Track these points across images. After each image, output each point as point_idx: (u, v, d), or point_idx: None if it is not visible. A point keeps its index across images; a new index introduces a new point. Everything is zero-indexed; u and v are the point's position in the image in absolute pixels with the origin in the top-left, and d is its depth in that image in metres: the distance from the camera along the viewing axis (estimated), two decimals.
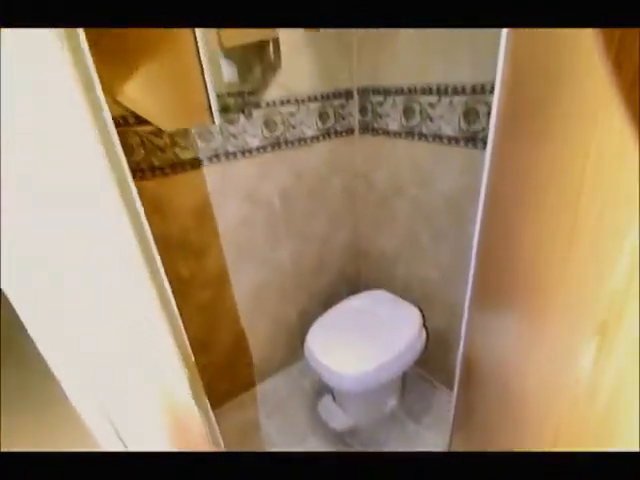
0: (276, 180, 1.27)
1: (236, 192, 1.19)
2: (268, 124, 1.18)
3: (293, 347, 1.62)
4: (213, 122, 1.04)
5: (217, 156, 1.11)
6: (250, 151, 1.18)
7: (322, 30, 1.17)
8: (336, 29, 1.19)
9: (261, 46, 1.13)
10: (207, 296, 1.25)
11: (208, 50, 1.04)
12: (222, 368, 1.41)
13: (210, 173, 1.11)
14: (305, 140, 1.29)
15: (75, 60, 0.33)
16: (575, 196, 0.39)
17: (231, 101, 1.11)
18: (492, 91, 0.92)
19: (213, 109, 1.05)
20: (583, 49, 0.37)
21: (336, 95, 1.30)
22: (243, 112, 1.12)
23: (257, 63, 1.14)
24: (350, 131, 1.40)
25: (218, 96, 1.09)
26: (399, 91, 1.18)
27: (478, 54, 0.93)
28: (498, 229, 0.62)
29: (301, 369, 1.63)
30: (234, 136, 1.13)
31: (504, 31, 0.54)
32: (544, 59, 0.45)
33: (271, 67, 1.14)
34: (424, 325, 1.30)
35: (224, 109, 1.08)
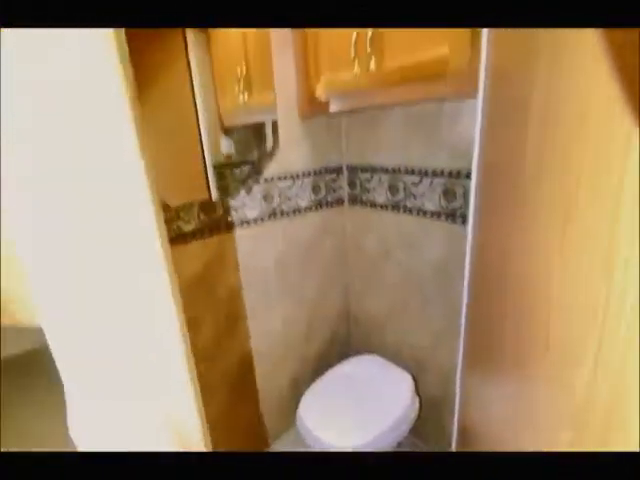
0: (271, 248, 1.34)
1: (231, 262, 1.24)
2: (266, 197, 1.28)
3: (285, 415, 1.56)
4: (212, 198, 1.13)
5: (218, 227, 1.18)
6: (248, 222, 1.25)
7: (315, 117, 1.33)
8: (326, 116, 1.35)
9: (260, 126, 1.26)
10: (199, 369, 1.23)
11: (209, 127, 1.15)
12: (211, 439, 1.33)
13: (209, 244, 1.17)
14: (299, 210, 1.38)
15: None
16: (550, 267, 0.46)
17: (232, 177, 1.21)
18: (467, 176, 1.06)
19: (212, 185, 1.14)
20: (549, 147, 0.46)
21: (328, 171, 1.43)
22: (244, 187, 1.21)
23: (255, 142, 1.27)
24: (340, 202, 1.51)
25: (215, 167, 1.19)
26: (384, 170, 1.31)
27: (453, 144, 1.08)
28: (485, 296, 0.68)
29: (293, 438, 1.55)
30: (234, 209, 1.21)
31: (477, 128, 0.66)
32: (513, 160, 0.55)
33: (269, 146, 1.26)
34: (417, 393, 1.30)
35: (225, 186, 1.17)
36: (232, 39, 1.17)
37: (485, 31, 0.68)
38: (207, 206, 1.15)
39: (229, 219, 1.21)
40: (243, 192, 1.22)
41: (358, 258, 1.55)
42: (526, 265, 0.53)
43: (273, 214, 1.31)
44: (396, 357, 1.48)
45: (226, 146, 1.21)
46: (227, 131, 1.21)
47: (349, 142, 1.42)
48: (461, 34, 0.76)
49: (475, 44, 0.75)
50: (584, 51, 0.40)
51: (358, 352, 1.62)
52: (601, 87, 0.38)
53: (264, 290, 1.36)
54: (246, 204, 1.23)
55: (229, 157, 1.23)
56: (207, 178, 1.15)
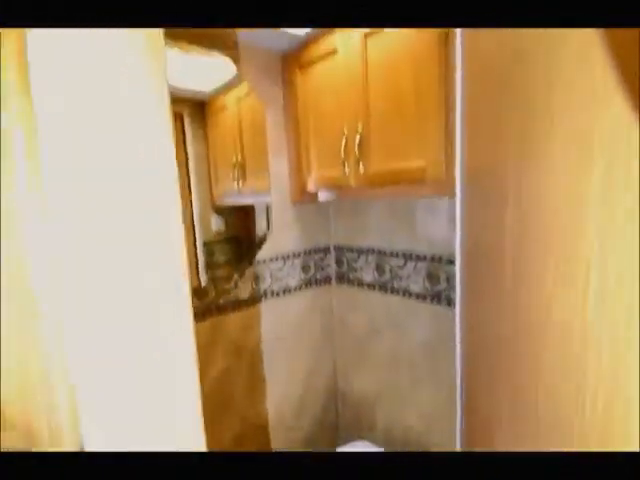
0: (261, 328, 1.34)
1: (222, 344, 1.23)
2: (257, 279, 1.31)
3: None
4: (201, 283, 1.15)
5: (209, 311, 1.19)
6: (239, 304, 1.27)
7: (305, 203, 1.43)
8: (315, 203, 1.46)
9: (251, 209, 1.34)
10: None
11: (200, 207, 1.21)
12: None
13: (200, 328, 1.17)
14: (289, 290, 1.42)
15: None
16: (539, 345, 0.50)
17: (225, 260, 1.25)
18: (449, 262, 1.14)
19: (200, 270, 1.17)
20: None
21: (316, 251, 1.50)
22: (237, 271, 1.25)
23: (247, 224, 1.34)
24: (328, 280, 1.56)
25: (205, 244, 1.23)
26: (371, 251, 1.39)
27: (433, 232, 1.18)
28: (479, 375, 0.70)
29: None
30: (227, 291, 1.23)
31: (458, 221, 0.74)
32: (493, 248, 0.62)
33: (263, 230, 1.33)
34: None
35: (215, 277, 1.21)
36: (228, 129, 1.29)
37: (458, 140, 0.81)
38: (198, 290, 1.17)
39: (220, 302, 1.22)
40: (236, 275, 1.25)
41: (346, 337, 1.56)
42: (517, 343, 0.57)
43: (264, 295, 1.34)
44: (387, 439, 1.42)
45: (215, 220, 1.26)
46: (219, 211, 1.27)
47: (337, 225, 1.52)
48: (436, 148, 0.89)
49: (450, 154, 0.88)
50: (550, 152, 0.47)
51: (348, 434, 1.55)
52: (569, 186, 0.45)
53: (251, 373, 1.32)
54: (238, 286, 1.26)
55: (219, 234, 1.28)
56: (197, 265, 1.18)
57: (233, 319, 1.25)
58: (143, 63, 0.42)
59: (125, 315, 0.42)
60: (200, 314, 1.17)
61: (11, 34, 0.37)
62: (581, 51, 0.42)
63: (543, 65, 0.48)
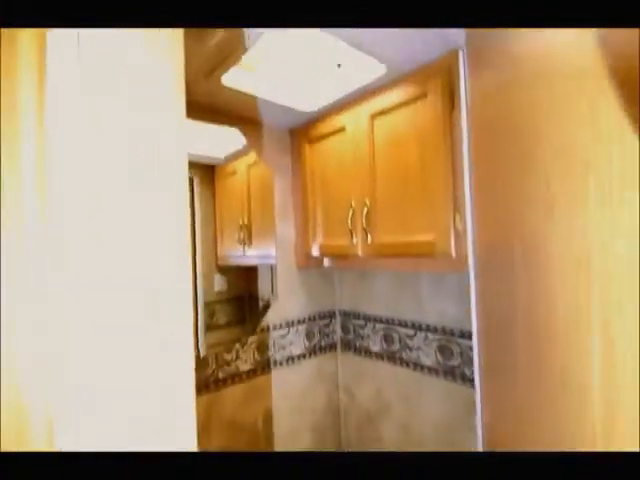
0: (262, 401, 1.25)
1: (220, 420, 1.14)
2: (260, 349, 1.25)
3: None
4: (200, 354, 1.10)
5: (207, 385, 1.12)
6: (240, 375, 1.20)
7: (310, 268, 1.41)
8: (320, 268, 1.44)
9: (254, 270, 1.32)
10: None
11: (204, 266, 1.19)
12: None
13: (198, 403, 1.08)
14: (292, 359, 1.35)
15: None
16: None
17: (227, 331, 1.20)
18: (461, 336, 1.09)
19: (200, 337, 1.12)
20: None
21: (321, 316, 1.45)
22: (239, 341, 1.20)
23: (251, 286, 1.31)
24: (333, 347, 1.49)
25: (207, 304, 1.19)
26: (378, 319, 1.34)
27: (443, 305, 1.14)
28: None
29: None
30: (227, 363, 1.17)
31: (473, 298, 0.70)
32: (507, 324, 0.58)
33: (267, 297, 1.30)
34: None
35: (215, 344, 1.16)
36: (237, 193, 1.31)
37: (468, 215, 0.81)
38: (197, 362, 1.11)
39: (220, 375, 1.15)
40: (237, 344, 1.20)
41: (352, 410, 1.45)
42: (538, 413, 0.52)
43: (267, 365, 1.27)
44: None
45: (217, 280, 1.23)
46: (222, 271, 1.25)
47: (342, 290, 1.48)
48: (445, 222, 0.89)
49: (458, 229, 0.87)
50: (550, 215, 0.48)
51: None
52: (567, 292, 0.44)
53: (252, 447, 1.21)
54: (240, 356, 1.20)
55: (221, 294, 1.24)
56: (197, 330, 1.14)
57: (232, 393, 1.17)
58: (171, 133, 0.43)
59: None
60: (197, 389, 1.09)
61: (30, 34, 0.38)
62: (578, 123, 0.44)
63: (547, 131, 0.49)
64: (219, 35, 0.75)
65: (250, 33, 0.75)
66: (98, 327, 0.38)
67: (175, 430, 0.45)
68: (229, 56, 0.83)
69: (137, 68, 0.41)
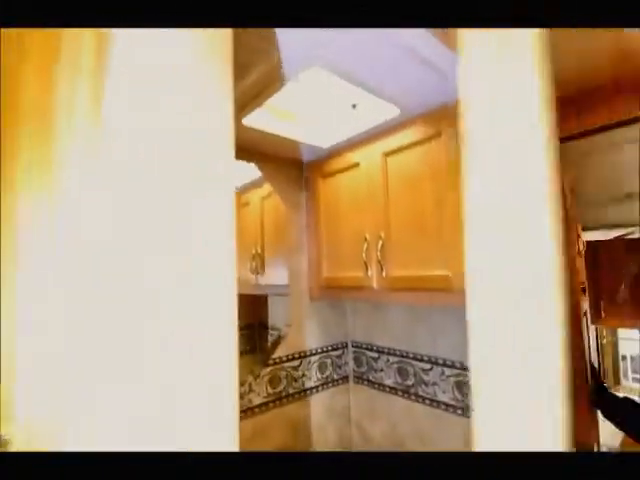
0: (272, 437, 1.22)
1: None
2: (272, 381, 1.24)
3: None
4: None
5: None
6: (252, 409, 1.18)
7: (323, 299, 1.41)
8: (332, 299, 1.44)
9: (265, 299, 1.32)
10: None
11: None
12: None
13: None
14: (305, 391, 1.32)
15: None
16: None
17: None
18: None
19: None
20: None
21: (333, 348, 1.43)
22: (252, 373, 1.18)
23: (262, 318, 1.30)
24: (345, 379, 1.46)
25: None
26: (392, 352, 1.32)
27: (460, 339, 1.12)
28: None
29: None
30: (240, 396, 1.15)
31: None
32: None
33: (281, 329, 1.29)
34: None
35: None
36: (250, 223, 1.33)
37: None
38: None
39: None
40: (250, 377, 1.18)
41: (364, 447, 1.40)
42: None
43: (279, 399, 1.24)
44: None
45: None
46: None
47: (355, 321, 1.47)
48: (460, 258, 0.89)
49: None
50: None
51: None
52: None
53: None
54: (253, 389, 1.18)
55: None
56: None
57: (243, 427, 1.15)
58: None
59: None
60: None
61: (89, 34, 0.40)
62: None
63: None
64: (254, 76, 0.78)
65: (285, 73, 0.77)
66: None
67: (175, 430, 0.44)
68: (258, 96, 0.86)
69: (183, 68, 0.43)
